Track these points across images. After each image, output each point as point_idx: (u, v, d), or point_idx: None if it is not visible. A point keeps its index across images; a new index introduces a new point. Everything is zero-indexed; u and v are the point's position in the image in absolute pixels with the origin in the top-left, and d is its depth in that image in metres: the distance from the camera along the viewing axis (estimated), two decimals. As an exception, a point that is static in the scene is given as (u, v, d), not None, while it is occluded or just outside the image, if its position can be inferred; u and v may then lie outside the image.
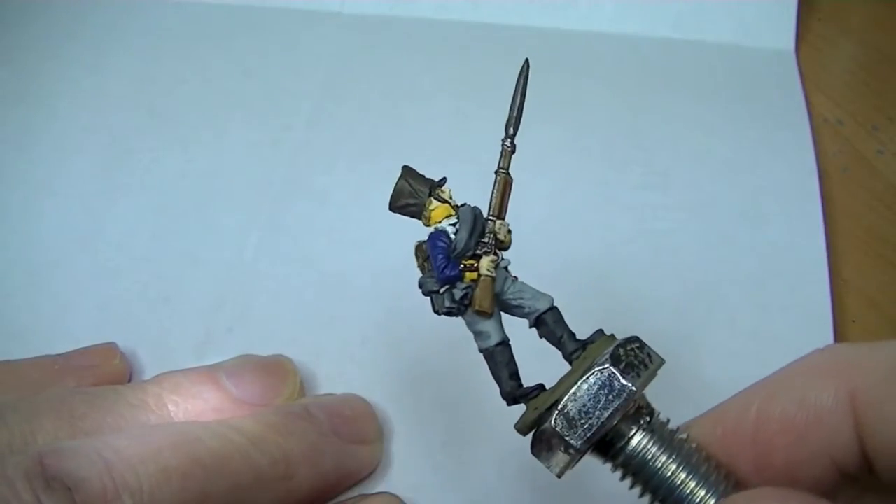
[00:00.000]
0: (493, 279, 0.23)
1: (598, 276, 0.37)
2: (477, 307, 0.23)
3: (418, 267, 0.24)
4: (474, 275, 0.23)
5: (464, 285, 0.24)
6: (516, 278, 0.24)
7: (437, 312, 0.24)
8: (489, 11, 0.52)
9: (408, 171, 0.25)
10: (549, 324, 0.24)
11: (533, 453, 0.23)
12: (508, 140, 0.24)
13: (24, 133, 0.46)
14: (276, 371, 0.32)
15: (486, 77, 0.49)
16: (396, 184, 0.24)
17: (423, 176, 0.25)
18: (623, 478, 0.23)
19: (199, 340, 0.36)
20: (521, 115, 0.24)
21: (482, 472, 0.32)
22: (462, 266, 0.23)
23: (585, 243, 0.39)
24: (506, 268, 0.24)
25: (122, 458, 0.24)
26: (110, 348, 0.34)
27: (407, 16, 0.52)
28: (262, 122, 0.46)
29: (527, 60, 0.24)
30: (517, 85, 0.25)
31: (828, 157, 0.44)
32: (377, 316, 0.37)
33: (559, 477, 0.23)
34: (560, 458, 0.22)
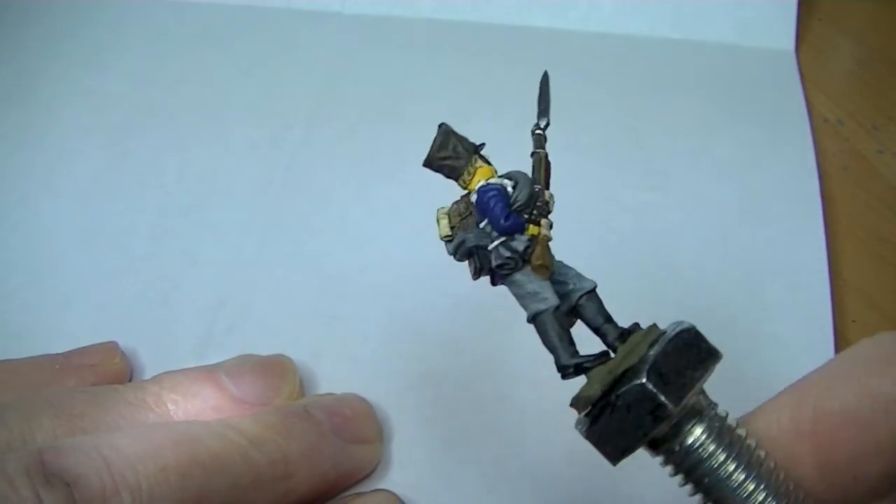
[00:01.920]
0: (551, 240, 0.22)
1: (598, 277, 0.37)
2: (538, 262, 0.22)
3: (443, 234, 0.23)
4: (536, 230, 0.22)
5: (525, 237, 0.22)
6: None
7: (478, 273, 0.22)
8: (489, 11, 0.52)
9: (449, 129, 0.23)
10: (592, 307, 0.22)
11: (585, 435, 0.21)
12: (539, 130, 0.25)
13: (24, 133, 0.46)
14: (275, 370, 0.32)
15: (486, 77, 0.49)
16: (438, 137, 0.23)
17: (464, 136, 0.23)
18: (675, 473, 0.21)
19: (199, 340, 0.36)
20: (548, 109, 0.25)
21: (482, 472, 0.32)
22: (526, 216, 0.22)
23: (585, 243, 0.39)
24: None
25: (122, 456, 0.24)
26: (111, 347, 0.34)
27: (407, 16, 0.52)
28: (262, 122, 0.46)
29: (545, 73, 0.25)
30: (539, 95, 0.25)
31: (828, 157, 0.44)
32: (377, 316, 0.37)
33: (615, 464, 0.21)
34: (631, 436, 0.21)
